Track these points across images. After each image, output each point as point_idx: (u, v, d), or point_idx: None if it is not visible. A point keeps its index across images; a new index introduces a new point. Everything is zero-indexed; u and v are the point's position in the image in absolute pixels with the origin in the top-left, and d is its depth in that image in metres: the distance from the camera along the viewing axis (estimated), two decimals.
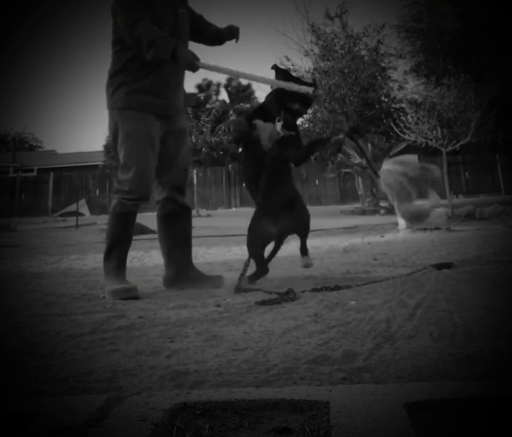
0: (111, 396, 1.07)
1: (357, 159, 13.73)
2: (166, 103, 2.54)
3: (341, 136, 2.60)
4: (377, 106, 21.78)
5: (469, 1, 17.40)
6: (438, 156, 17.10)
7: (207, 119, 17.15)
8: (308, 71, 23.10)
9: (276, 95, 2.62)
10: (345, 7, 21.71)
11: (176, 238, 2.68)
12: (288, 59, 23.09)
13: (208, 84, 35.58)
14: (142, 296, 2.38)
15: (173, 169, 2.63)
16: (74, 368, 1.31)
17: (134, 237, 6.89)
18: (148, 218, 12.24)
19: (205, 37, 2.73)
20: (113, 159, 26.24)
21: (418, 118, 12.45)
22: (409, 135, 12.62)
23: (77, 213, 11.96)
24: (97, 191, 23.44)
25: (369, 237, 5.69)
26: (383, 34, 21.95)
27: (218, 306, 2.06)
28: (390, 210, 11.99)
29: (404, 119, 13.31)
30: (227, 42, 2.72)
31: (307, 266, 2.75)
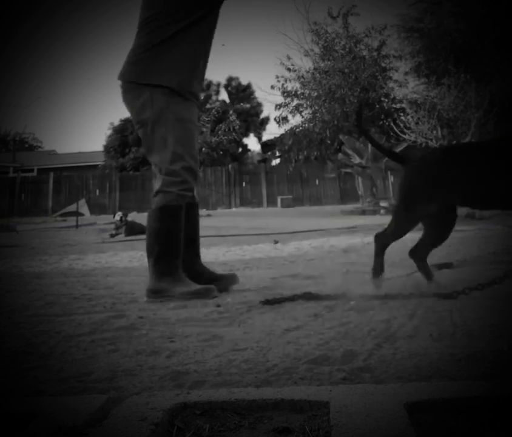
0: (111, 396, 1.07)
1: (356, 159, 13.73)
2: (200, 88, 2.46)
3: None
4: (377, 106, 21.78)
5: (470, 1, 17.39)
6: None
7: (207, 119, 17.13)
8: (308, 71, 23.13)
9: None
10: (353, 9, 21.70)
11: (188, 233, 2.43)
12: (288, 59, 23.10)
13: (208, 84, 35.59)
14: (142, 296, 2.37)
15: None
16: (74, 368, 1.30)
17: (134, 237, 6.92)
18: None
19: None
20: (113, 159, 26.29)
21: (419, 118, 12.46)
22: (409, 135, 12.63)
23: (77, 213, 11.96)
24: (97, 191, 23.46)
25: (369, 237, 5.68)
26: (385, 35, 21.95)
27: (218, 306, 2.06)
28: (390, 211, 11.99)
29: (404, 119, 13.32)
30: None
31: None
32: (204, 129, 16.78)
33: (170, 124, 2.26)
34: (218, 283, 2.37)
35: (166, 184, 2.27)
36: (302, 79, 22.98)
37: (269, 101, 49.05)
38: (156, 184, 2.33)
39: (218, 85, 35.84)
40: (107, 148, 28.00)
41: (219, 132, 16.92)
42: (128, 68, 2.34)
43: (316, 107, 22.23)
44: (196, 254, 2.50)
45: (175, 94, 2.29)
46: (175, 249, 2.29)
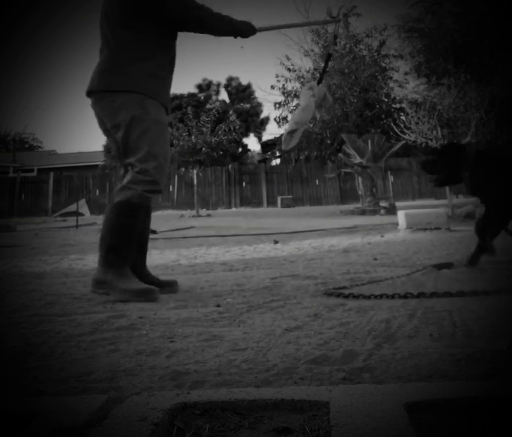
0: (111, 396, 1.07)
1: (357, 159, 13.73)
2: (168, 97, 2.54)
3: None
4: (377, 106, 21.79)
5: (470, 1, 17.40)
6: None
7: (207, 119, 17.11)
8: (308, 71, 23.14)
9: None
10: (354, 10, 21.71)
11: (145, 236, 2.52)
12: (288, 59, 23.12)
13: (209, 84, 35.61)
14: None
15: None
16: (74, 368, 1.31)
17: None
18: None
19: None
20: (113, 159, 26.27)
21: (419, 118, 12.46)
22: (409, 134, 12.62)
23: (77, 213, 11.97)
24: (97, 191, 23.46)
25: (369, 237, 5.69)
26: (385, 35, 21.96)
27: (218, 306, 2.06)
28: (390, 210, 12.00)
29: (404, 119, 13.32)
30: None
31: None
32: (204, 129, 16.75)
33: (145, 124, 2.30)
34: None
35: (134, 181, 2.30)
36: (302, 79, 23.00)
37: (269, 101, 49.08)
38: (125, 180, 2.34)
39: (218, 85, 35.90)
40: (107, 148, 27.99)
41: (219, 132, 16.88)
42: (100, 79, 2.37)
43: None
44: (144, 258, 2.55)
45: (149, 98, 2.35)
46: (126, 245, 2.31)
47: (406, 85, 22.23)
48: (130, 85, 2.32)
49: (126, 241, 2.31)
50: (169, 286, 2.45)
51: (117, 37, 2.37)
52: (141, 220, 2.37)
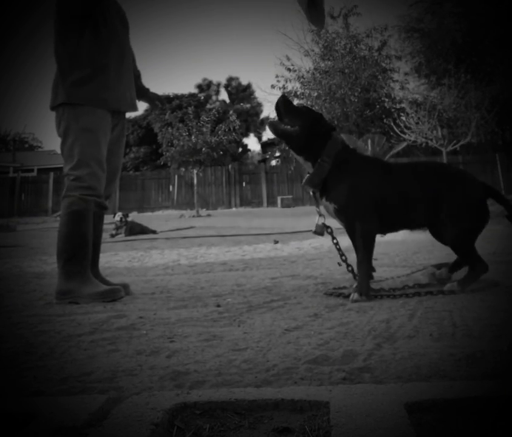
0: (111, 396, 1.07)
1: None
2: (120, 96, 2.51)
3: None
4: (377, 106, 21.77)
5: (471, 1, 17.39)
6: (438, 156, 17.14)
7: (207, 119, 17.09)
8: (308, 71, 23.12)
9: None
10: (355, 9, 21.67)
11: (96, 240, 2.54)
12: (288, 59, 23.12)
13: (209, 84, 35.63)
14: (142, 296, 2.38)
15: (112, 166, 2.58)
16: (74, 368, 1.31)
17: (134, 237, 6.86)
18: (148, 218, 12.22)
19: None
20: None
21: (419, 118, 12.47)
22: (409, 135, 12.63)
23: None
24: None
25: None
26: (386, 35, 21.94)
27: (218, 306, 2.06)
28: None
29: (404, 119, 13.33)
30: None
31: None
32: (204, 129, 16.74)
33: (76, 134, 2.39)
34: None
35: (70, 188, 2.37)
36: (302, 79, 22.99)
37: (269, 101, 48.96)
38: (63, 190, 2.43)
39: (218, 85, 35.93)
40: None
41: (219, 132, 16.86)
42: (51, 98, 2.48)
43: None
44: (97, 260, 2.57)
45: (81, 106, 2.40)
46: (83, 251, 2.34)
47: (406, 85, 22.23)
48: (62, 97, 2.40)
49: (81, 248, 2.34)
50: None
51: (56, 53, 2.45)
52: (91, 224, 2.40)
